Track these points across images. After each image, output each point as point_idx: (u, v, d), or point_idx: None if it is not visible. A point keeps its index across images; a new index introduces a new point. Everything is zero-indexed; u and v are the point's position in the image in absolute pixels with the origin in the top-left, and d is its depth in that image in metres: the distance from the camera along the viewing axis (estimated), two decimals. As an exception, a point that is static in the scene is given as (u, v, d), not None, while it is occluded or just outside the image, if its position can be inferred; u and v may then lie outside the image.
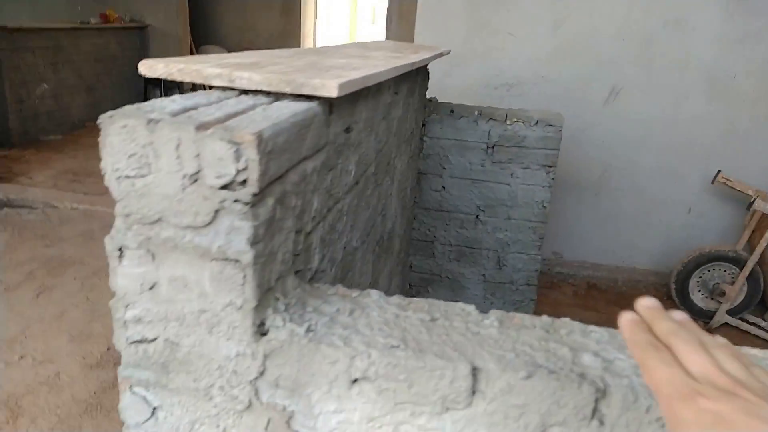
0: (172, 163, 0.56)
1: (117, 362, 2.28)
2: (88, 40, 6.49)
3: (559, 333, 0.62)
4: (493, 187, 2.13)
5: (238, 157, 0.55)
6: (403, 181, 1.81)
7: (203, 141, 0.55)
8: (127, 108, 0.58)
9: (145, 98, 5.74)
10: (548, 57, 2.97)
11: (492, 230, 2.17)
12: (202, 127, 0.56)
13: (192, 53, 7.62)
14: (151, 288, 0.60)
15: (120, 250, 0.59)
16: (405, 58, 1.37)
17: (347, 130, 0.93)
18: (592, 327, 0.63)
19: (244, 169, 0.55)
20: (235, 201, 0.56)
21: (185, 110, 0.62)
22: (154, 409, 0.64)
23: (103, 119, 0.55)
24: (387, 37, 6.36)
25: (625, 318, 0.43)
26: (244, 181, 0.56)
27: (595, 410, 0.56)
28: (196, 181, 0.56)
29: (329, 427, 0.61)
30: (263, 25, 8.31)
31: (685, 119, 3.07)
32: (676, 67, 2.99)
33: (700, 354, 0.40)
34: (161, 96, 6.94)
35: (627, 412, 0.56)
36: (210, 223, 0.57)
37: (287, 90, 0.72)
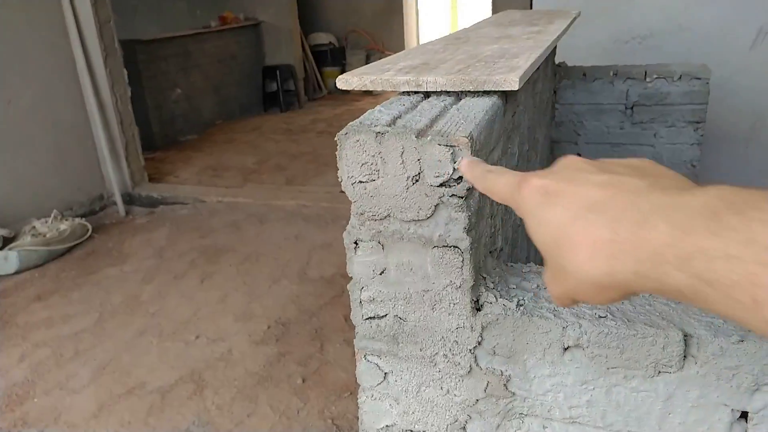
0: (397, 167, 0.65)
1: (278, 338, 2.53)
2: (211, 43, 6.98)
3: (765, 297, 0.65)
4: (635, 150, 2.07)
5: (454, 157, 0.63)
6: (543, 152, 1.83)
7: (423, 147, 0.63)
8: (354, 124, 0.68)
9: (264, 91, 6.12)
10: (684, 2, 2.78)
11: (636, 195, 2.11)
12: (420, 134, 0.64)
13: (302, 42, 7.94)
14: (381, 273, 0.71)
15: (355, 242, 0.70)
16: (546, 31, 1.39)
17: (513, 114, 0.99)
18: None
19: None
20: (452, 196, 0.65)
21: (395, 119, 0.71)
22: (386, 374, 0.75)
23: (339, 136, 0.66)
24: (493, 3, 6.22)
25: (462, 162, 0.53)
26: (459, 178, 0.64)
27: (811, 369, 0.59)
28: (417, 181, 0.65)
29: (544, 388, 0.69)
30: (366, 5, 8.43)
31: None
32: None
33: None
34: (278, 87, 7.33)
35: None
36: (431, 216, 0.66)
37: (470, 88, 0.79)
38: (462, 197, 0.65)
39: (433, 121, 0.70)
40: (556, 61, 2.23)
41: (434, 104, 0.77)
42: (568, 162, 0.39)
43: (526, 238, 1.38)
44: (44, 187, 4.24)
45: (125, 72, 4.78)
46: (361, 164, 0.66)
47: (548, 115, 2.02)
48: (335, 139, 0.66)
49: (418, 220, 0.67)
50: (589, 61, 2.48)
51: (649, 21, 2.84)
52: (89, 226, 4.16)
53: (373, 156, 0.65)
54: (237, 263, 3.63)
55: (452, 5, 12.47)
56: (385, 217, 0.68)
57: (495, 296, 0.69)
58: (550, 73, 1.96)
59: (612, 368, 0.65)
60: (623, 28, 2.85)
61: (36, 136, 4.18)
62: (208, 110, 7.08)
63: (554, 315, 0.66)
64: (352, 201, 0.68)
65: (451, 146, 0.63)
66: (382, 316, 0.72)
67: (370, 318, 0.73)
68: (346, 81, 0.85)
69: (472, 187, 0.65)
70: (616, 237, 0.31)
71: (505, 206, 0.98)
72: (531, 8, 3.01)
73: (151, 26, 7.55)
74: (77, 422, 2.32)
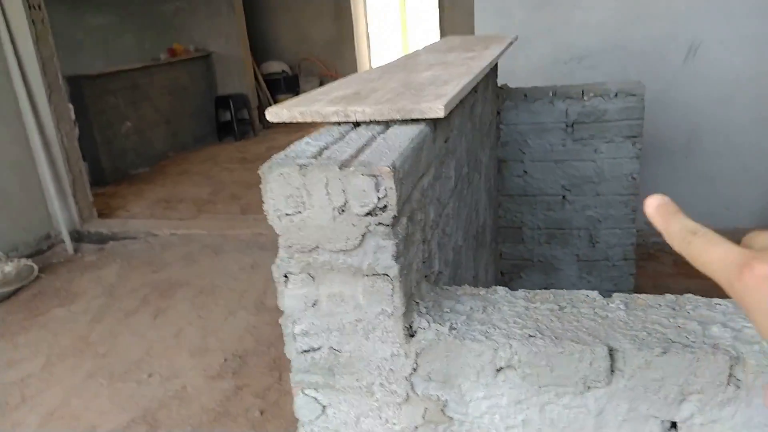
0: (323, 198, 0.65)
1: (235, 371, 2.47)
2: (161, 75, 6.91)
3: (685, 309, 0.67)
4: (578, 166, 2.13)
5: (377, 187, 0.63)
6: (488, 173, 1.86)
7: (347, 178, 0.64)
8: (279, 157, 0.68)
9: (217, 121, 6.06)
10: (617, 22, 2.91)
11: (581, 209, 2.18)
12: (344, 165, 0.65)
13: (255, 71, 7.94)
14: (313, 305, 0.70)
15: (285, 276, 0.69)
16: (480, 56, 1.43)
17: (446, 140, 1.00)
18: (716, 300, 0.67)
19: (384, 196, 0.64)
20: (378, 224, 0.65)
21: (321, 150, 0.71)
22: (324, 407, 0.74)
23: (263, 169, 0.66)
24: (441, 28, 6.38)
25: (648, 204, 0.42)
26: (384, 207, 0.64)
27: (730, 376, 0.61)
28: (344, 211, 0.65)
29: (480, 411, 0.69)
30: (318, 34, 8.52)
31: (774, 67, 2.92)
32: (757, 14, 2.85)
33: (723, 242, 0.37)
34: (231, 117, 7.28)
35: (762, 375, 0.60)
36: (359, 245, 0.66)
37: (397, 117, 0.81)
38: (389, 225, 0.65)
39: (359, 151, 0.70)
40: (499, 84, 2.29)
41: (362, 134, 0.78)
42: None
43: (471, 259, 1.39)
44: (-15, 228, 4.07)
45: (71, 108, 4.67)
46: (286, 197, 0.66)
47: (492, 135, 2.07)
48: (258, 172, 0.65)
49: (347, 249, 0.67)
50: (531, 82, 2.56)
51: (586, 41, 2.96)
52: (35, 267, 4.00)
53: (298, 188, 0.65)
54: (191, 297, 3.54)
55: (402, 30, 12.73)
56: (314, 248, 0.67)
57: (428, 321, 0.69)
58: (492, 95, 2.00)
59: (544, 386, 0.66)
60: (562, 50, 2.96)
61: (-25, 176, 4.02)
62: (160, 142, 6.97)
63: (485, 337, 0.67)
64: (280, 234, 0.68)
65: (374, 176, 0.63)
66: (317, 349, 0.71)
67: (305, 351, 0.72)
68: (275, 113, 0.85)
69: (400, 215, 0.66)
70: None
71: (443, 230, 1.00)
72: (474, 33, 3.10)
73: (98, 61, 7.44)
74: (22, 475, 2.20)
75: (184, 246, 4.33)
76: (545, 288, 2.33)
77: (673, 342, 0.62)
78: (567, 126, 2.15)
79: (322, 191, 0.65)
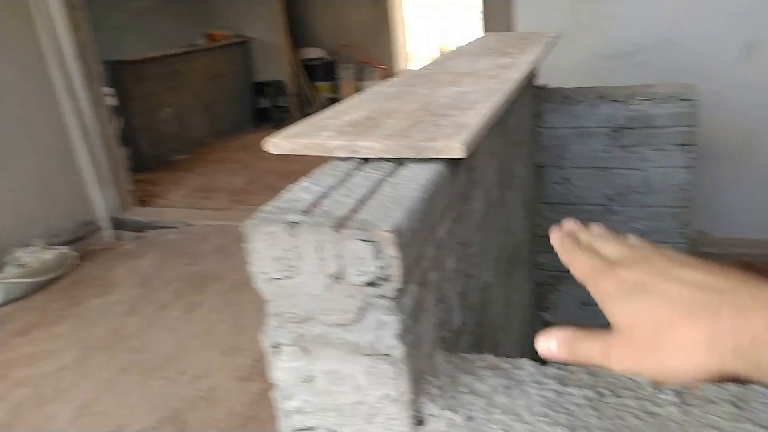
0: (315, 264, 0.56)
1: (263, 374, 2.42)
2: (199, 61, 6.92)
3: (751, 406, 0.55)
4: (623, 174, 1.97)
5: (377, 254, 0.54)
6: (524, 183, 1.74)
7: (342, 242, 0.54)
8: (268, 211, 0.58)
9: (254, 107, 6.04)
10: (669, 16, 2.69)
11: (626, 220, 2.02)
12: (339, 225, 0.55)
13: (293, 57, 7.88)
14: (308, 381, 0.61)
15: (275, 346, 0.61)
16: (516, 64, 1.30)
17: (470, 170, 0.89)
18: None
19: (386, 266, 0.54)
20: (380, 296, 0.55)
21: (318, 200, 0.61)
22: (321, 492, 0.65)
23: (247, 226, 0.57)
24: (484, 15, 6.11)
25: (553, 234, 0.51)
26: (387, 277, 0.54)
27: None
28: (339, 279, 0.56)
29: None
30: (355, 20, 8.37)
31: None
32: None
33: (615, 243, 0.47)
34: (269, 104, 7.25)
35: None
36: (357, 320, 0.57)
37: (410, 155, 0.70)
38: (392, 298, 0.55)
39: (361, 202, 0.60)
40: (537, 83, 2.14)
41: (369, 176, 0.68)
42: (646, 254, 0.43)
43: (502, 288, 1.28)
44: (27, 214, 4.15)
45: (112, 94, 4.70)
46: (274, 259, 0.57)
47: (528, 142, 1.93)
48: (239, 230, 0.56)
49: (344, 324, 0.57)
50: (573, 79, 2.39)
51: (635, 37, 2.75)
52: (75, 255, 4.07)
53: (287, 250, 0.56)
54: (224, 292, 3.53)
55: (439, 17, 12.42)
56: (307, 319, 0.58)
57: (440, 407, 0.59)
58: (530, 97, 1.86)
59: (574, 495, 0.55)
60: (607, 45, 2.77)
61: (16, 163, 4.10)
62: (199, 129, 7.01)
63: None
64: (268, 300, 0.59)
65: (373, 242, 0.53)
66: (312, 429, 0.63)
67: (300, 430, 0.63)
68: (277, 145, 0.76)
69: (407, 284, 0.56)
70: (718, 322, 0.35)
71: (466, 275, 0.89)
72: (514, 22, 2.94)
73: (137, 46, 7.49)
74: (51, 473, 2.22)
75: (219, 238, 4.33)
76: (584, 304, 2.19)
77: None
78: (612, 131, 1.98)
79: (314, 255, 0.55)
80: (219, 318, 3.24)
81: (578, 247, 0.47)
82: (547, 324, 2.59)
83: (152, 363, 2.89)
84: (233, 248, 4.14)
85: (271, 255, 0.57)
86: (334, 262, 0.55)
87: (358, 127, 0.80)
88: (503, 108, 0.93)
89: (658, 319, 0.38)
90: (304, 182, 0.67)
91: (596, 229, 0.51)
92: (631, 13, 2.75)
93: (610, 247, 0.46)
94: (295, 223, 0.56)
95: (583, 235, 0.50)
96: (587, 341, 0.43)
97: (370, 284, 0.55)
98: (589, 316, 2.32)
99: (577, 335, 0.44)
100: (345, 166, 0.73)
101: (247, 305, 3.34)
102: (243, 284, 3.63)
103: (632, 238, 0.48)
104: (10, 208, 4.05)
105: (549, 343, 0.45)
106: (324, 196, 0.63)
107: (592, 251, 0.46)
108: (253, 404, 2.52)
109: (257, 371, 2.74)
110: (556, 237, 0.51)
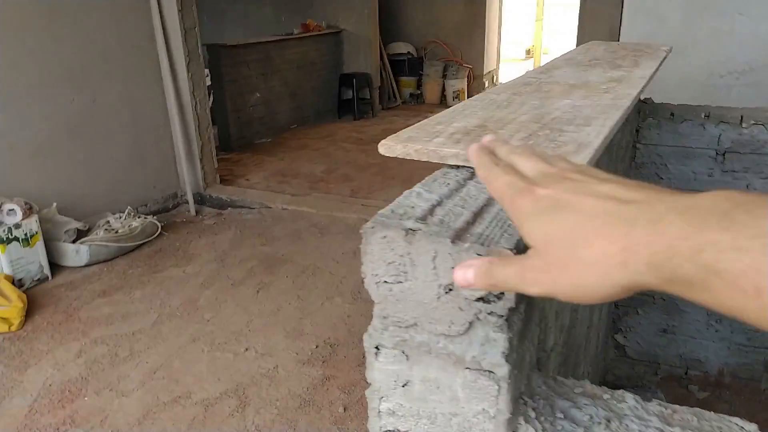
0: (428, 272, 0.56)
1: (325, 359, 2.46)
2: (292, 50, 7.10)
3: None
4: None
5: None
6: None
7: (459, 255, 0.54)
8: (384, 214, 0.59)
9: (339, 98, 6.14)
10: (791, 37, 2.52)
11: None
12: (456, 237, 0.54)
13: (381, 51, 7.94)
14: (404, 385, 0.61)
15: (377, 347, 0.61)
16: (629, 79, 1.25)
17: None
18: None
19: (502, 283, 0.53)
20: (490, 313, 0.54)
21: (433, 208, 0.61)
22: (403, 496, 0.65)
23: (366, 229, 0.57)
24: (580, 20, 5.94)
25: (471, 148, 0.50)
26: (500, 295, 0.54)
27: None
28: (451, 290, 0.56)
29: None
30: (448, 17, 8.33)
31: None
32: None
33: (534, 160, 0.45)
34: (353, 95, 7.35)
35: None
36: (464, 333, 0.56)
37: (528, 169, 0.69)
38: (503, 316, 0.54)
39: (477, 215, 0.60)
40: (642, 97, 2.05)
41: (482, 187, 0.67)
42: (564, 172, 0.42)
43: (588, 310, 1.24)
44: (121, 182, 4.42)
45: (207, 75, 4.91)
46: (387, 263, 0.57)
47: (627, 157, 1.86)
48: (360, 231, 0.57)
49: (450, 335, 0.57)
50: (679, 95, 2.27)
51: (750, 54, 2.58)
52: (159, 225, 4.29)
53: (402, 256, 0.56)
54: (294, 275, 3.62)
55: (537, 17, 12.14)
56: (412, 325, 0.58)
57: (535, 430, 0.58)
58: (633, 112, 1.79)
59: None
60: (719, 62, 2.61)
61: (117, 134, 4.37)
62: (284, 114, 7.20)
63: (606, 466, 0.54)
64: (376, 302, 0.59)
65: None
66: (403, 432, 0.63)
67: (389, 431, 0.64)
68: (389, 148, 0.77)
69: (518, 303, 0.55)
70: (633, 234, 0.34)
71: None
72: (619, 35, 2.82)
73: (235, 32, 7.78)
74: (122, 427, 2.36)
75: (293, 222, 4.45)
76: (664, 331, 2.07)
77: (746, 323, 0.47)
78: (717, 154, 1.87)
79: (429, 264, 0.55)
80: (287, 300, 3.33)
81: (496, 164, 0.46)
82: (619, 347, 2.48)
83: (221, 336, 3.01)
84: (305, 234, 4.25)
85: (385, 259, 0.57)
86: (448, 273, 0.55)
87: (470, 135, 0.79)
88: (619, 126, 0.89)
89: (574, 235, 0.37)
90: (416, 188, 0.67)
91: (516, 144, 0.50)
92: (750, 30, 2.58)
93: (529, 164, 0.45)
94: (413, 230, 0.56)
95: (503, 150, 0.49)
96: (503, 267, 0.42)
97: (482, 299, 0.54)
98: (664, 344, 2.21)
99: (493, 261, 0.44)
100: (457, 174, 0.72)
101: (314, 291, 3.42)
102: (312, 270, 3.71)
103: (552, 155, 0.47)
104: (107, 176, 4.32)
105: (466, 272, 0.45)
106: (438, 204, 0.63)
107: (511, 168, 0.45)
108: (312, 389, 2.58)
109: (319, 357, 2.80)
110: (473, 151, 0.50)
